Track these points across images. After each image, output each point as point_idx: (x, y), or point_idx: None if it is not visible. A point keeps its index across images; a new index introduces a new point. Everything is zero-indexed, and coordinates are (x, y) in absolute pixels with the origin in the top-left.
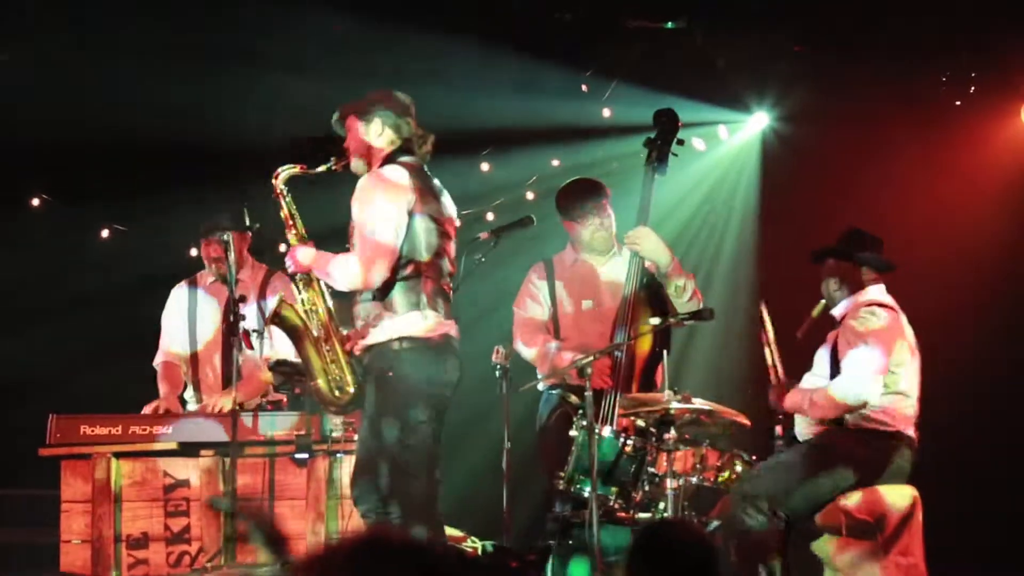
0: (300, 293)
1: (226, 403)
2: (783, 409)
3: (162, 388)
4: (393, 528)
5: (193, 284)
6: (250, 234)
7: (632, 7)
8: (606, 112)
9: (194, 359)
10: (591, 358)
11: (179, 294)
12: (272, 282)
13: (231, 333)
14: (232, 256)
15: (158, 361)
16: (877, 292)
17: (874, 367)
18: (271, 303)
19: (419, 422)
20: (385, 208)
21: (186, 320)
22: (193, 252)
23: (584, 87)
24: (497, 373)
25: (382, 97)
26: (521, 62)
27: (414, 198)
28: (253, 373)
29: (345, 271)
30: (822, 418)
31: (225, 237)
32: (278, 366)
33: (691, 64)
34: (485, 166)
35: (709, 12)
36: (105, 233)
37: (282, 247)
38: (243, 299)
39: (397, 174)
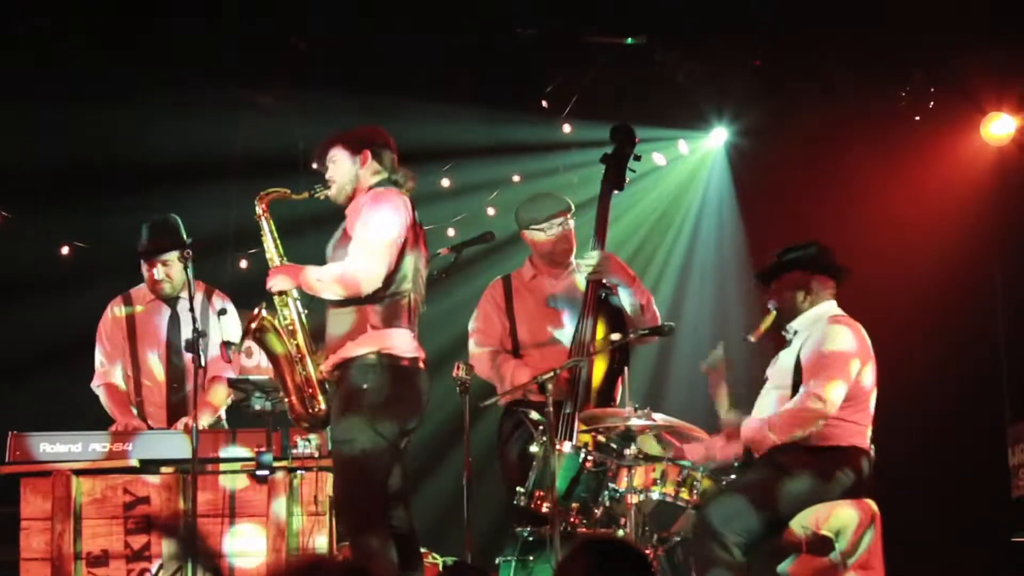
0: (277, 311)
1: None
2: (742, 447)
3: (114, 410)
4: (334, 557)
5: (128, 302)
6: (190, 252)
7: (592, 23)
8: (566, 128)
9: (136, 381)
10: (551, 374)
11: (116, 313)
12: (213, 300)
13: (190, 349)
14: (191, 272)
15: (98, 384)
16: (831, 305)
17: (837, 387)
18: (214, 321)
19: (384, 438)
20: (390, 221)
21: (126, 340)
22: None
23: (544, 103)
24: (458, 389)
25: (369, 132)
26: (481, 76)
27: (410, 223)
28: (201, 400)
29: (339, 276)
30: (786, 440)
31: (177, 256)
32: (238, 383)
33: (651, 79)
34: (446, 181)
35: (668, 28)
36: (65, 250)
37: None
38: (204, 334)
39: (399, 197)
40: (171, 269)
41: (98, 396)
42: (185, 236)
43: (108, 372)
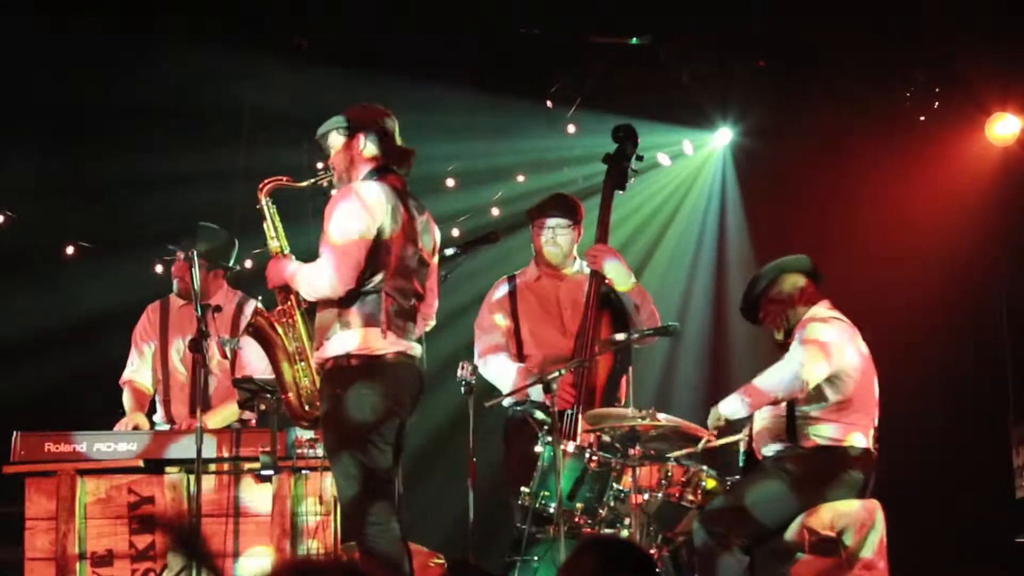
0: (278, 306)
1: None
2: (722, 421)
3: (128, 405)
4: (318, 557)
5: (165, 305)
6: (193, 252)
7: (597, 23)
8: (571, 128)
9: (165, 383)
10: (555, 374)
11: (152, 315)
12: (244, 308)
13: (194, 349)
14: (196, 273)
15: (124, 381)
16: (824, 307)
17: (814, 350)
18: (243, 323)
19: (369, 439)
20: (354, 222)
21: (157, 341)
22: (159, 269)
23: (549, 103)
24: (462, 388)
25: (364, 113)
26: (486, 77)
27: (387, 216)
28: (227, 397)
29: (310, 280)
30: (761, 404)
31: (190, 254)
32: (243, 383)
33: (655, 80)
34: (451, 182)
35: (674, 28)
36: (70, 250)
37: None
38: (218, 309)
39: (372, 190)
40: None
41: (121, 394)
42: (221, 249)
43: (136, 372)
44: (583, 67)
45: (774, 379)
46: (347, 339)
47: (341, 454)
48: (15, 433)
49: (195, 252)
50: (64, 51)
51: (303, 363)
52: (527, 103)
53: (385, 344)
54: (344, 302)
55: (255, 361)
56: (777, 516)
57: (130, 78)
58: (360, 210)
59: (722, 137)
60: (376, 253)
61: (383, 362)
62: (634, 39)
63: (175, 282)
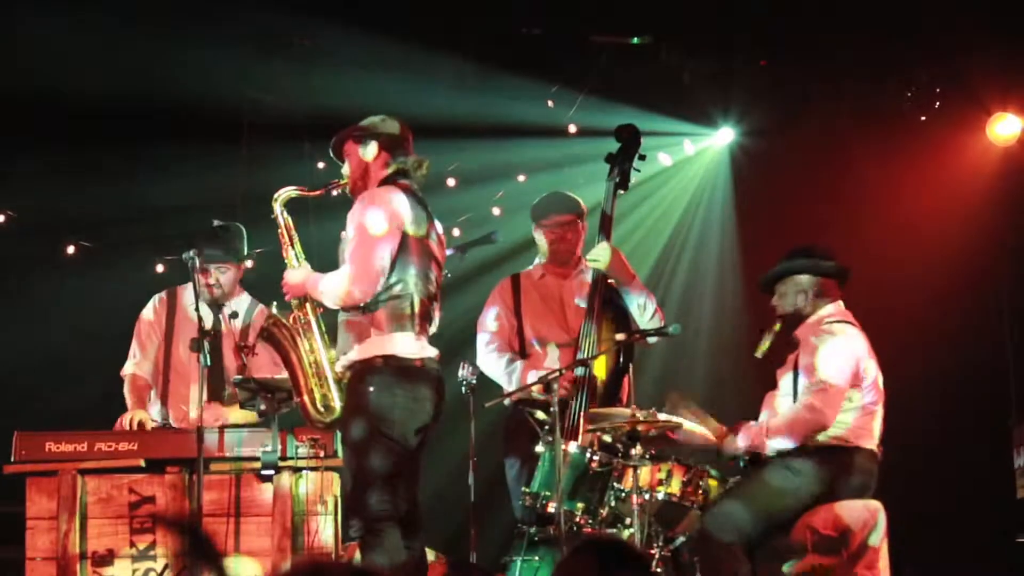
0: (293, 311)
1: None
2: (741, 452)
3: (130, 399)
4: (330, 558)
5: (173, 298)
6: (244, 266)
7: (598, 22)
8: (572, 128)
9: (166, 376)
10: (556, 374)
11: (159, 306)
12: (254, 313)
13: (196, 349)
14: (197, 272)
15: (127, 372)
16: (835, 308)
17: (832, 393)
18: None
19: (393, 439)
20: (378, 227)
21: (163, 334)
22: (160, 268)
23: (550, 102)
24: (463, 388)
25: (379, 123)
26: (487, 77)
27: (408, 220)
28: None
29: (332, 287)
30: (784, 441)
31: (223, 268)
32: (244, 383)
33: (656, 79)
34: (451, 181)
35: (674, 27)
36: (71, 249)
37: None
38: (235, 315)
39: (394, 196)
40: (223, 276)
41: (122, 384)
42: (242, 253)
43: (139, 364)
44: (584, 67)
45: (795, 430)
46: (379, 342)
47: (360, 449)
48: (15, 432)
49: (192, 251)
50: (64, 51)
51: (316, 366)
52: (528, 102)
53: (415, 349)
54: (375, 306)
55: (267, 364)
56: (779, 515)
57: (130, 78)
58: (385, 216)
59: (723, 136)
60: (403, 257)
61: (411, 366)
62: (635, 39)
63: (206, 291)
